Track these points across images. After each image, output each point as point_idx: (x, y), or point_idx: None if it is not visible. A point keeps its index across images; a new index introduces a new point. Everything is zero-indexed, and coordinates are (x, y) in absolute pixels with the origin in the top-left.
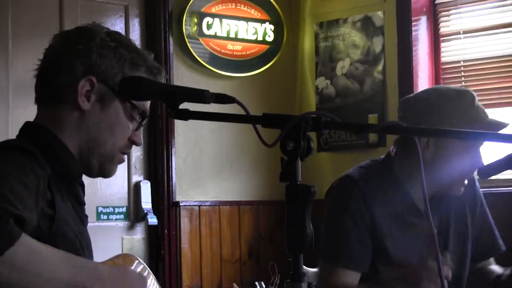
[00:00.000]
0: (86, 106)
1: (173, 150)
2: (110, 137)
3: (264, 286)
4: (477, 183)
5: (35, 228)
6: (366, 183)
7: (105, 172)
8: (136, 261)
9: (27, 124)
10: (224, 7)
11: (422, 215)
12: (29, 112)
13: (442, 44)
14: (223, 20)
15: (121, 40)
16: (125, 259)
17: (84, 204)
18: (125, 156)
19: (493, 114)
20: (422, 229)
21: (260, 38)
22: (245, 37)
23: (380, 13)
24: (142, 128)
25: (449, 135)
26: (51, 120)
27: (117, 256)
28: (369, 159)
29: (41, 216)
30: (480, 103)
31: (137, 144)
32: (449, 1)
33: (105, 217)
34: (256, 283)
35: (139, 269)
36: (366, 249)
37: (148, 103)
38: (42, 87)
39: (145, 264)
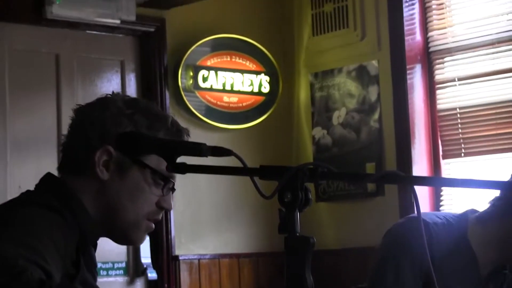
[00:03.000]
0: (105, 176)
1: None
2: (131, 205)
3: None
4: None
5: (58, 286)
6: (435, 225)
7: (132, 240)
8: None
9: (50, 177)
10: (219, 59)
11: (481, 280)
12: (27, 170)
13: (438, 92)
14: (219, 72)
15: (138, 107)
16: None
17: (96, 266)
18: (153, 225)
19: (489, 160)
20: None
21: (256, 90)
22: (241, 89)
23: (374, 62)
24: (171, 193)
25: (451, 185)
26: (74, 185)
27: None
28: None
29: (65, 275)
30: None
31: (166, 210)
32: (443, 49)
33: (105, 272)
34: None
35: None
36: None
37: None
38: (63, 159)
39: None
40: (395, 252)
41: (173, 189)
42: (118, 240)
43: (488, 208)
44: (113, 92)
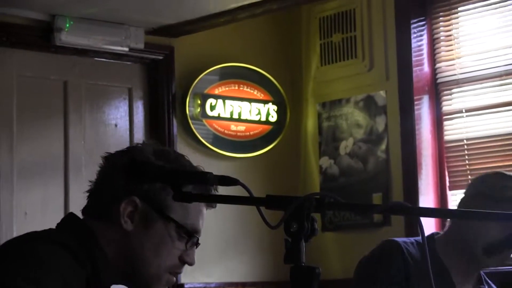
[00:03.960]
0: (129, 227)
1: None
2: (154, 258)
3: None
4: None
5: None
6: (406, 245)
7: None
8: None
9: (72, 216)
10: (227, 88)
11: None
12: (33, 196)
13: (445, 123)
14: (226, 101)
15: (167, 158)
16: None
17: None
18: (175, 278)
19: None
20: None
21: (263, 119)
22: (249, 118)
23: (382, 93)
24: (194, 247)
25: (456, 216)
26: (96, 229)
27: None
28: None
29: None
30: None
31: (189, 264)
32: (451, 80)
33: None
34: None
35: None
36: None
37: (199, 221)
38: (89, 203)
39: None
40: (372, 271)
41: (197, 244)
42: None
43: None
44: (143, 141)
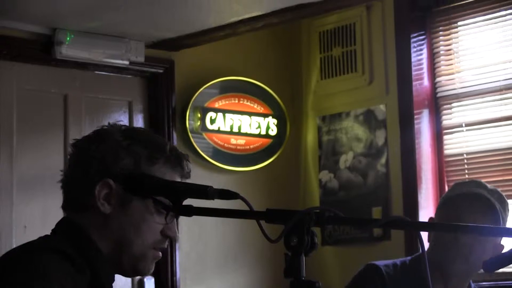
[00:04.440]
0: (107, 209)
1: (177, 244)
2: (136, 236)
3: None
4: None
5: None
6: (387, 268)
7: (140, 272)
8: None
9: (64, 221)
10: (227, 102)
11: None
12: (33, 209)
13: (445, 137)
14: (226, 114)
15: (136, 137)
16: None
17: None
18: (160, 253)
19: None
20: None
21: (263, 132)
22: (248, 131)
23: (382, 107)
24: (175, 220)
25: (453, 230)
26: (82, 223)
27: None
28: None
29: None
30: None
31: (172, 238)
32: (451, 94)
33: None
34: None
35: None
36: None
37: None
38: (66, 196)
39: None
40: None
41: (177, 217)
42: (126, 273)
43: None
44: (109, 123)
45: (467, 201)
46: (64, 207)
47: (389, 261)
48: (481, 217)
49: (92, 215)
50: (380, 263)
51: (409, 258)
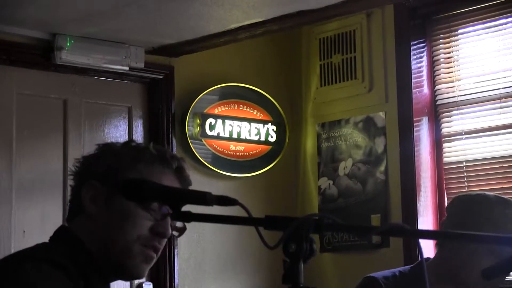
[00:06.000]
0: (93, 210)
1: (176, 251)
2: (119, 232)
3: None
4: None
5: None
6: (386, 280)
7: (129, 271)
8: None
9: (60, 228)
10: (226, 108)
11: None
12: (32, 214)
13: (444, 145)
14: (226, 121)
15: (122, 143)
16: None
17: None
18: (154, 253)
19: None
20: None
21: (262, 139)
22: (248, 138)
23: (381, 114)
24: (168, 218)
25: (456, 238)
26: (77, 230)
27: None
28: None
29: None
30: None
31: (163, 235)
32: (450, 102)
33: None
34: None
35: None
36: None
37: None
38: (69, 209)
39: None
40: None
41: (169, 214)
42: (118, 274)
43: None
44: (112, 142)
45: None
46: (67, 219)
47: (387, 272)
48: None
49: (82, 218)
50: (379, 275)
51: (408, 267)
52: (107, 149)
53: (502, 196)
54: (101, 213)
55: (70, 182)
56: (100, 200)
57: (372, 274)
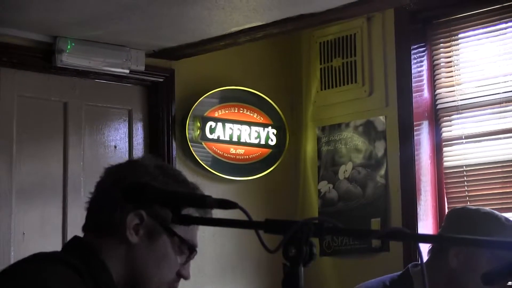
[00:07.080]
0: (135, 239)
1: None
2: (156, 271)
3: None
4: None
5: None
6: None
7: None
8: None
9: (77, 239)
10: (227, 111)
11: None
12: (31, 217)
13: (445, 149)
14: (226, 124)
15: (171, 174)
16: None
17: None
18: None
19: None
20: None
21: (262, 142)
22: (248, 141)
23: (382, 118)
24: (190, 262)
25: (459, 242)
26: (99, 246)
27: None
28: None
29: None
30: None
31: (185, 278)
32: (451, 106)
33: None
34: None
35: None
36: None
37: (197, 235)
38: (91, 219)
39: None
40: None
41: (191, 258)
42: None
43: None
44: (144, 155)
45: None
46: (85, 228)
47: (376, 281)
48: None
49: (115, 242)
50: (368, 285)
51: (396, 274)
52: (157, 180)
53: (495, 212)
54: (141, 245)
55: (92, 189)
56: (143, 231)
57: (360, 285)
